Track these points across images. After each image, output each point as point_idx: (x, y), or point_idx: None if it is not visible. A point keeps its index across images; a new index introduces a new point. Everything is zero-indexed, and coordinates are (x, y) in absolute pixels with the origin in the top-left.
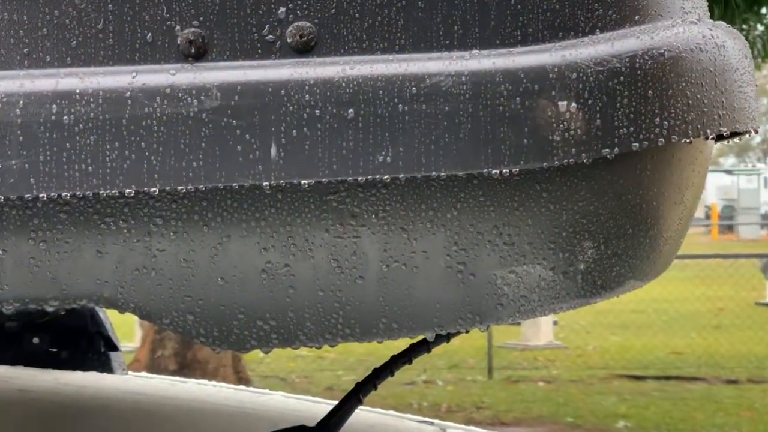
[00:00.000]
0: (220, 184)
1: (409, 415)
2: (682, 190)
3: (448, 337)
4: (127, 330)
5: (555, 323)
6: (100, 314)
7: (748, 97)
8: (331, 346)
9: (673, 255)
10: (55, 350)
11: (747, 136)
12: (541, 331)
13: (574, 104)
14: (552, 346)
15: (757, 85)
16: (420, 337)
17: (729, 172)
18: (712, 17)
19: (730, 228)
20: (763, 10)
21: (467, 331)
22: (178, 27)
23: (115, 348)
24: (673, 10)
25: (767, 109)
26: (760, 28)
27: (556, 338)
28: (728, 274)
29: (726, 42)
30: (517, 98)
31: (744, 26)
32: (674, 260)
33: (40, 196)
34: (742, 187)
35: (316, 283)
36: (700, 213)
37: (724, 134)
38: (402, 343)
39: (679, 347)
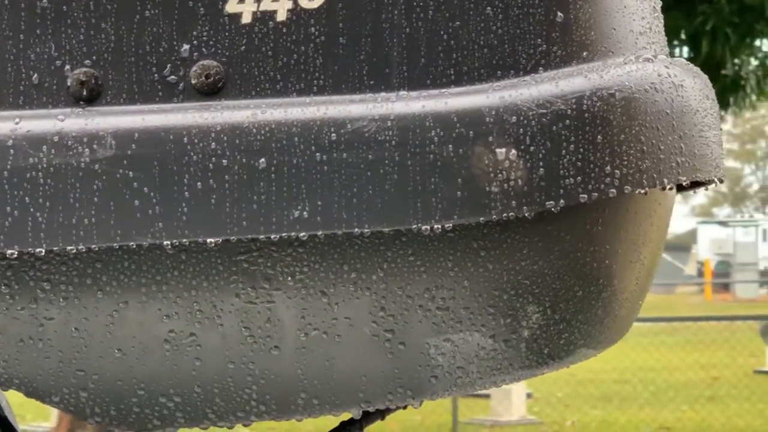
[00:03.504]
0: (115, 244)
1: None
2: (639, 247)
3: (382, 414)
4: (42, 407)
5: (529, 395)
6: None
7: (710, 142)
8: (245, 425)
9: (632, 320)
10: None
11: (712, 186)
12: (513, 404)
13: (513, 151)
14: (525, 421)
15: (722, 129)
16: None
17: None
18: (698, 51)
19: (725, 287)
20: (757, 43)
21: (405, 407)
22: (68, 67)
23: (12, 431)
24: (626, 46)
25: (765, 153)
26: (754, 62)
27: (529, 412)
28: (723, 339)
29: (685, 81)
30: (450, 145)
31: (736, 61)
32: (663, 324)
33: None
34: (738, 241)
35: (226, 354)
36: (692, 270)
37: (684, 184)
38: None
39: (669, 422)
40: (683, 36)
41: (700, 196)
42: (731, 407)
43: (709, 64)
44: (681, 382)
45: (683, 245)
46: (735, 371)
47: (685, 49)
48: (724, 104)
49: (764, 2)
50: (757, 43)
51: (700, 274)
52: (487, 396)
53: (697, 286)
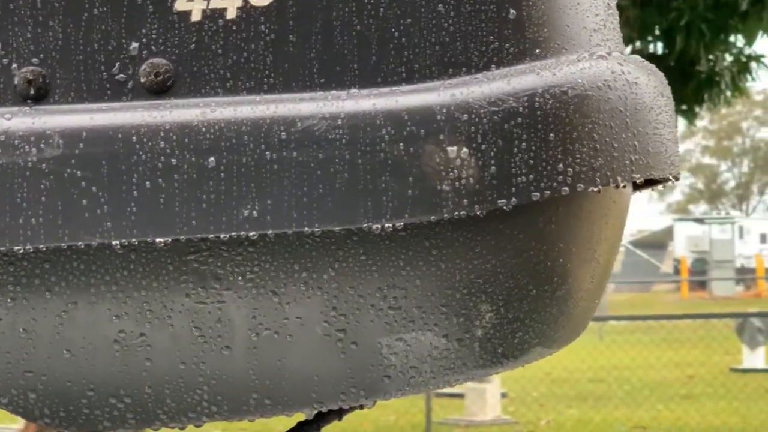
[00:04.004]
0: (63, 244)
1: None
2: (594, 246)
3: (339, 414)
4: None
5: (503, 395)
6: None
7: (665, 140)
8: (196, 426)
9: (588, 318)
10: None
11: (668, 184)
12: (488, 404)
13: (465, 150)
14: (500, 421)
15: (677, 127)
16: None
17: (700, 220)
18: (672, 47)
19: (701, 284)
20: (731, 39)
21: (362, 407)
22: (14, 65)
23: None
24: (580, 43)
25: (741, 150)
26: (729, 58)
27: (504, 412)
28: (699, 337)
29: (639, 78)
30: (401, 143)
31: (710, 57)
32: (639, 322)
33: None
34: (714, 238)
35: (177, 354)
36: (668, 267)
37: (638, 182)
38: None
39: (644, 421)
40: (657, 32)
41: (677, 193)
42: (707, 406)
43: (683, 60)
44: (656, 380)
45: (659, 242)
46: (711, 369)
47: (660, 44)
48: (699, 101)
49: None
50: (732, 39)
51: (677, 271)
52: (462, 396)
53: (674, 283)
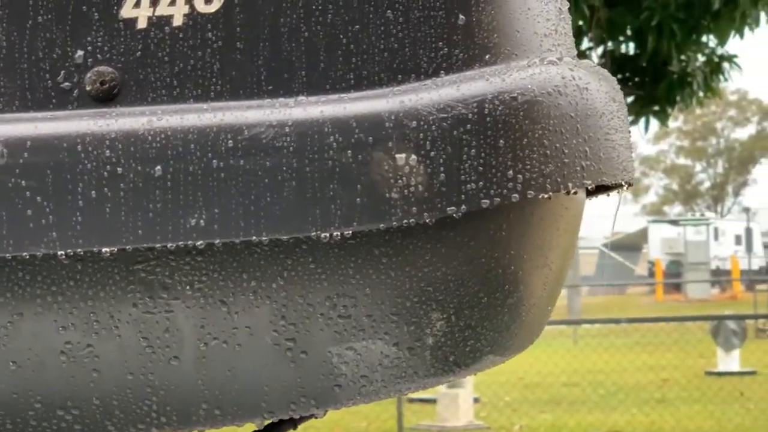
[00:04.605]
0: (7, 254)
1: None
2: (546, 252)
3: (293, 423)
4: None
5: (476, 400)
6: None
7: (617, 145)
8: None
9: (541, 325)
10: None
11: (621, 190)
12: (460, 409)
13: (414, 157)
14: (473, 426)
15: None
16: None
17: (674, 222)
18: (644, 47)
19: (676, 287)
20: (704, 39)
21: (316, 416)
22: None
23: None
24: (530, 48)
25: (716, 150)
26: (701, 59)
27: (476, 417)
28: (673, 340)
29: (590, 83)
30: (349, 151)
31: (682, 57)
32: (612, 325)
33: None
34: (689, 240)
35: (125, 365)
36: (643, 270)
37: (589, 188)
38: None
39: (619, 425)
40: (629, 32)
41: (651, 195)
42: (681, 410)
43: (655, 60)
44: (630, 384)
45: (633, 245)
46: (685, 373)
47: (631, 45)
48: (671, 101)
49: None
50: (704, 39)
51: (651, 274)
52: (434, 401)
53: (648, 286)
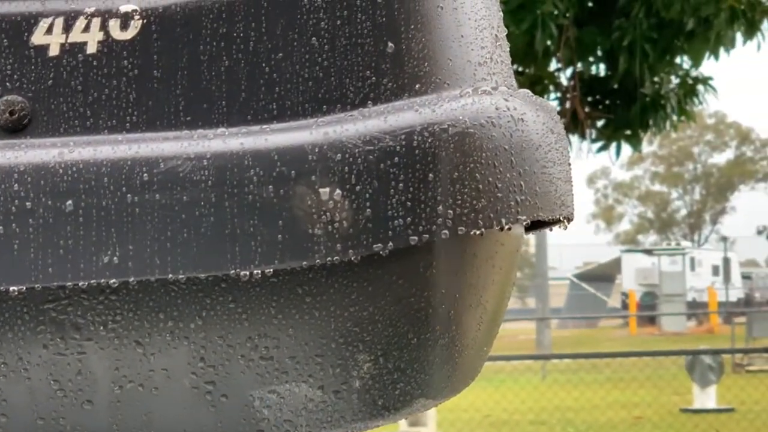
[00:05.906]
0: None
1: None
2: (480, 291)
3: None
4: None
5: None
6: None
7: (555, 179)
8: None
9: (477, 367)
10: None
11: (562, 226)
12: None
13: (338, 191)
14: None
15: (570, 165)
16: None
17: (649, 251)
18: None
19: (651, 319)
20: (677, 60)
21: None
22: None
23: None
24: (463, 77)
25: (692, 176)
26: (675, 81)
27: None
28: (646, 376)
29: (526, 114)
30: (270, 185)
31: (655, 79)
32: (582, 360)
33: None
34: (664, 270)
35: (34, 409)
36: (616, 302)
37: (525, 224)
38: None
39: None
40: (599, 52)
41: (625, 223)
42: None
43: (626, 82)
44: (601, 422)
45: (606, 275)
46: (659, 410)
47: (602, 66)
48: (643, 125)
49: (683, 17)
50: (678, 60)
51: (625, 306)
52: None
53: (621, 319)
